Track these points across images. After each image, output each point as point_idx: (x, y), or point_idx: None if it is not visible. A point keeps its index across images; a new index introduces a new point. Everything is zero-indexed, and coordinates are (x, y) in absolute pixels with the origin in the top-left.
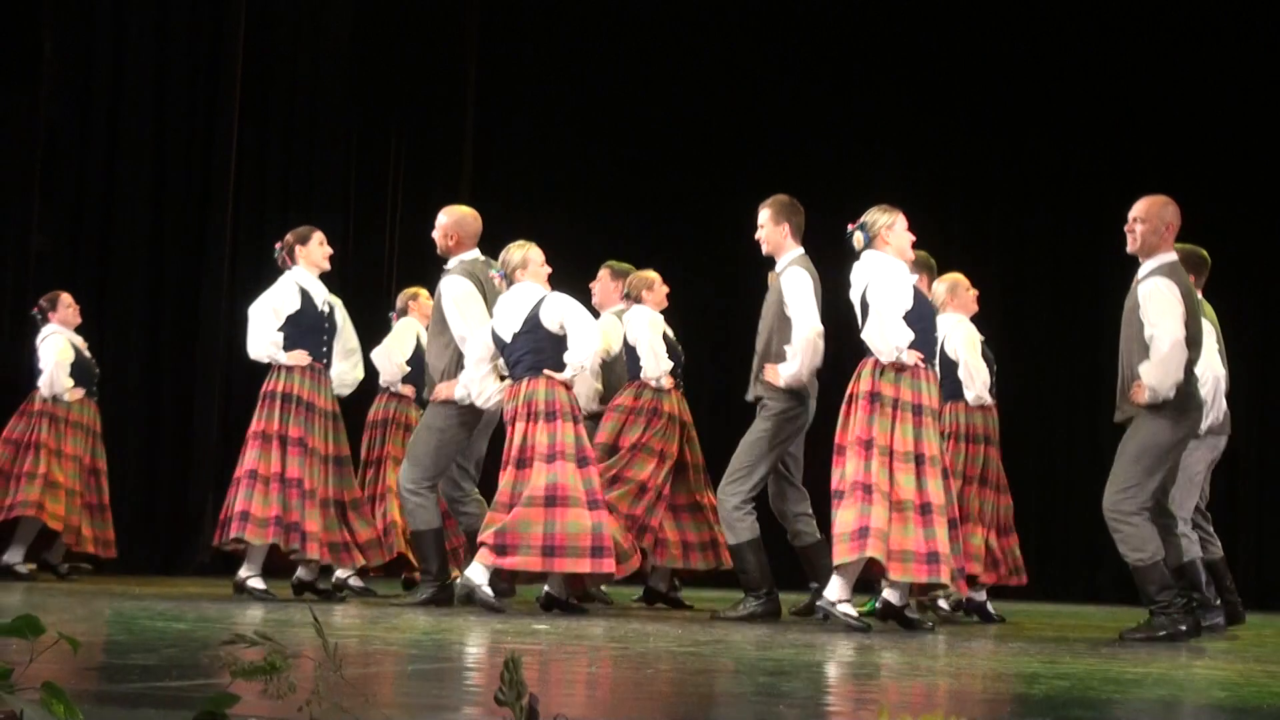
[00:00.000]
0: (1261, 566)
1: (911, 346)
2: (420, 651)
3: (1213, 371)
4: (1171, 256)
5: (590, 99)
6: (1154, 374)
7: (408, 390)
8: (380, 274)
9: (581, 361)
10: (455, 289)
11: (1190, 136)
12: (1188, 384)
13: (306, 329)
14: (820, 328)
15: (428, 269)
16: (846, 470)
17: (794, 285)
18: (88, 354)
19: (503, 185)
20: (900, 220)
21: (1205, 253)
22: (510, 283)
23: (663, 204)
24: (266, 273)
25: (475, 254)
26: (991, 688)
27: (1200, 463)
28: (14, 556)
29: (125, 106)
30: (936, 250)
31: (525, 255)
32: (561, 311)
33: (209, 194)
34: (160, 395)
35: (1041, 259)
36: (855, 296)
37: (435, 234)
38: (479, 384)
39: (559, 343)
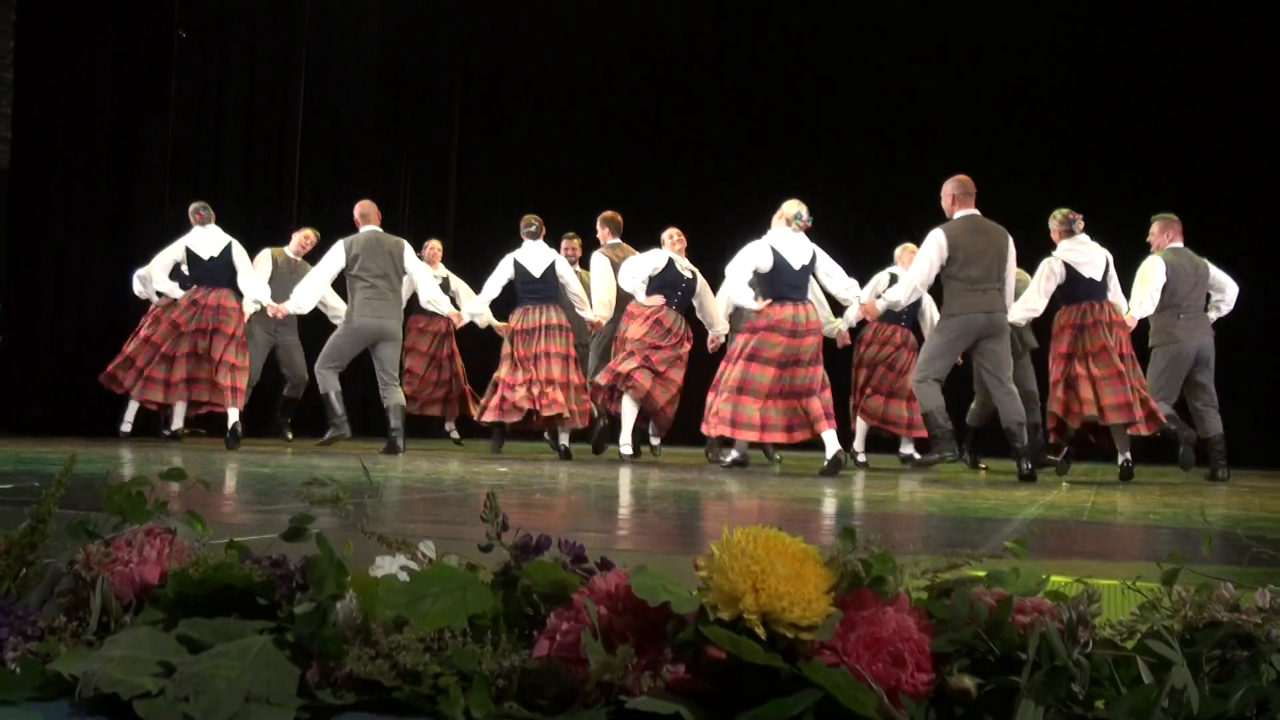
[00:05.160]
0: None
1: None
2: (430, 487)
3: None
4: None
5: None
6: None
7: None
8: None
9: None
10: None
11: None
12: None
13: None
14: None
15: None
16: None
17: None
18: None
19: (483, 195)
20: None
21: None
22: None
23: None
24: (336, 235)
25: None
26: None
27: None
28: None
29: (226, 127)
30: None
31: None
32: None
33: (281, 191)
34: None
35: None
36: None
37: None
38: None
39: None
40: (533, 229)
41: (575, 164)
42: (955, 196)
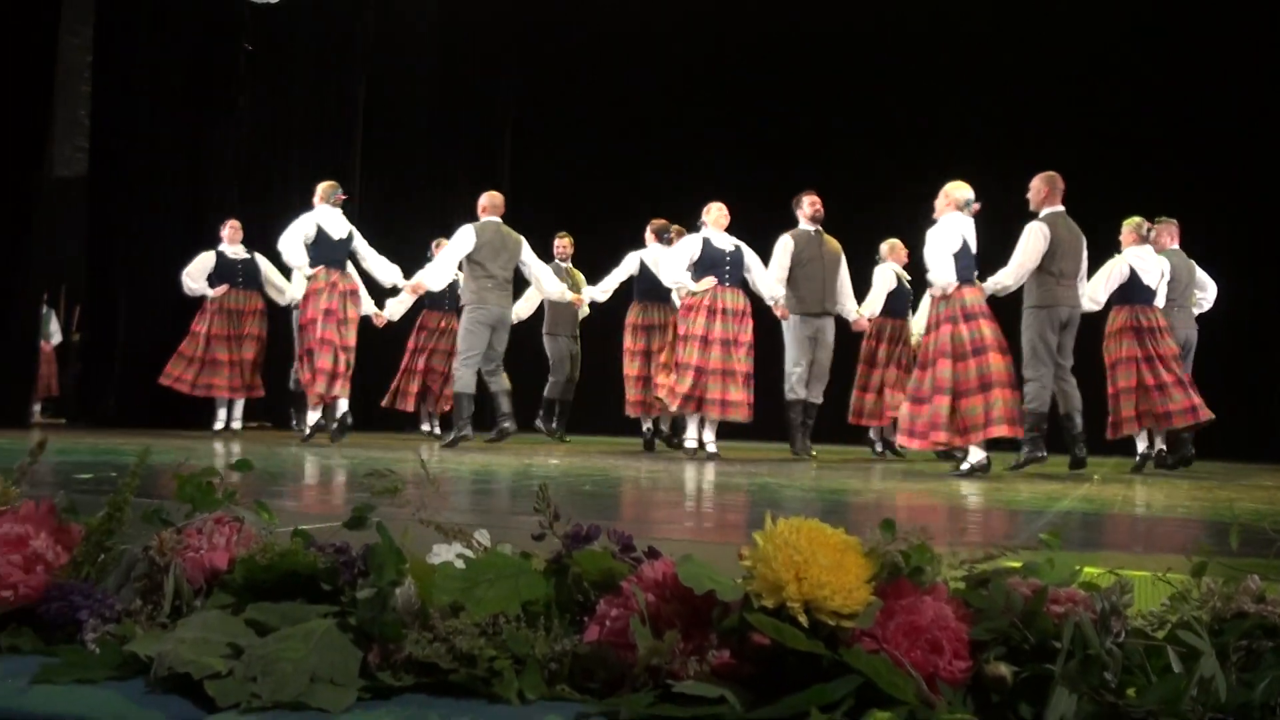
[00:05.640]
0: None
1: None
2: (486, 478)
3: None
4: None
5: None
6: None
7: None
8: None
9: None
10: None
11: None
12: None
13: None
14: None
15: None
16: None
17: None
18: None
19: (535, 205)
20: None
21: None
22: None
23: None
24: (395, 238)
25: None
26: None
27: None
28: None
29: (292, 138)
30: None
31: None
32: None
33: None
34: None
35: None
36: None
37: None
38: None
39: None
40: (669, 235)
41: (622, 170)
42: (1048, 192)
